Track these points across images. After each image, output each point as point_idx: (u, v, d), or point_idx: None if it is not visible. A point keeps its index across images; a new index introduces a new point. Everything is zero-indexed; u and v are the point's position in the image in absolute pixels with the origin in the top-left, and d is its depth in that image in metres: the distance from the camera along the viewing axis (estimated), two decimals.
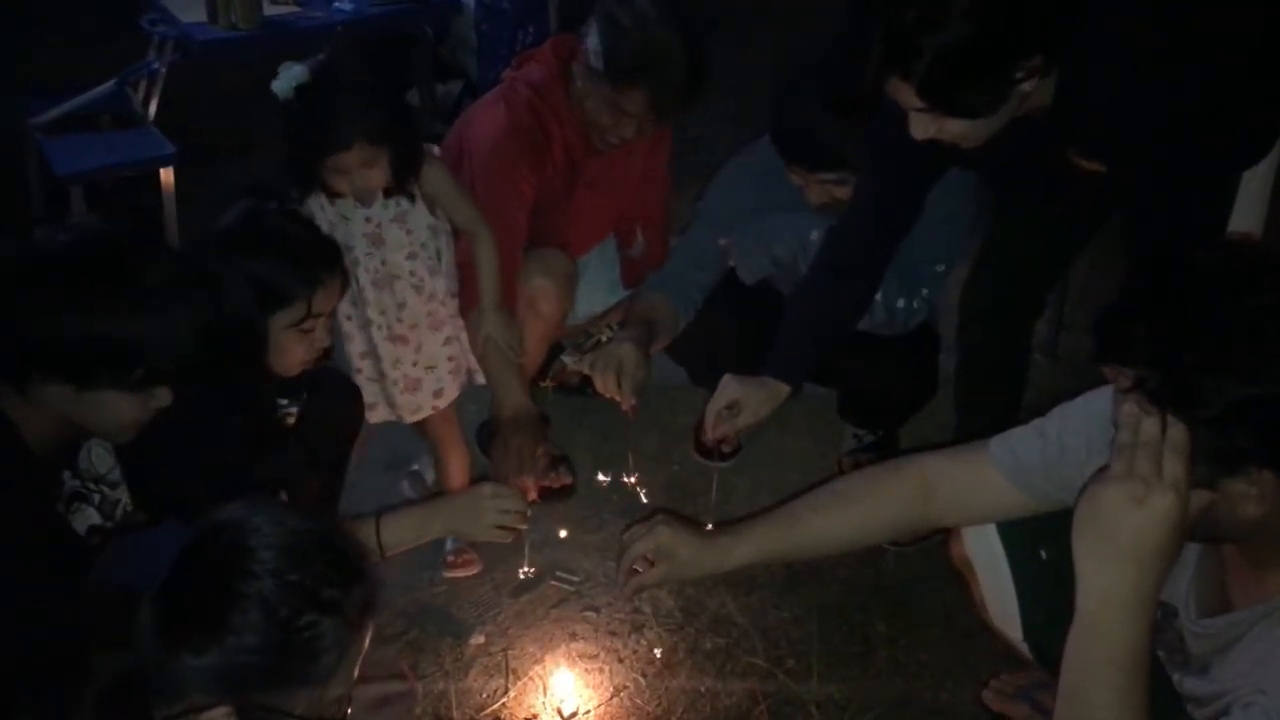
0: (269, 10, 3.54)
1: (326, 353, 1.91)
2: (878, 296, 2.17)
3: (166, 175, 3.12)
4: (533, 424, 2.08)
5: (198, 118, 3.85)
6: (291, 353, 1.80)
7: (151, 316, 1.40)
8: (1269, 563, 1.17)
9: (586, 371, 2.08)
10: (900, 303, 2.23)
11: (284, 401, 1.97)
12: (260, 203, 1.83)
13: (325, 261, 1.79)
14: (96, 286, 1.38)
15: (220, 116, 4.14)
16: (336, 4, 3.71)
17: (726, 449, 2.45)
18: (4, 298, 1.40)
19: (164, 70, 3.43)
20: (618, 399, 2.04)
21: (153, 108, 3.43)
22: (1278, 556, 1.16)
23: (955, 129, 1.51)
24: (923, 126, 1.52)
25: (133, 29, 3.52)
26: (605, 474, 2.40)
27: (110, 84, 3.33)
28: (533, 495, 2.02)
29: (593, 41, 2.11)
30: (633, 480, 2.34)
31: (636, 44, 2.06)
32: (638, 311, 2.26)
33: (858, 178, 1.97)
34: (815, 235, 2.13)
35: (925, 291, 2.24)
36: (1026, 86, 1.46)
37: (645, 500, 2.32)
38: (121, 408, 1.44)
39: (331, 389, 2.12)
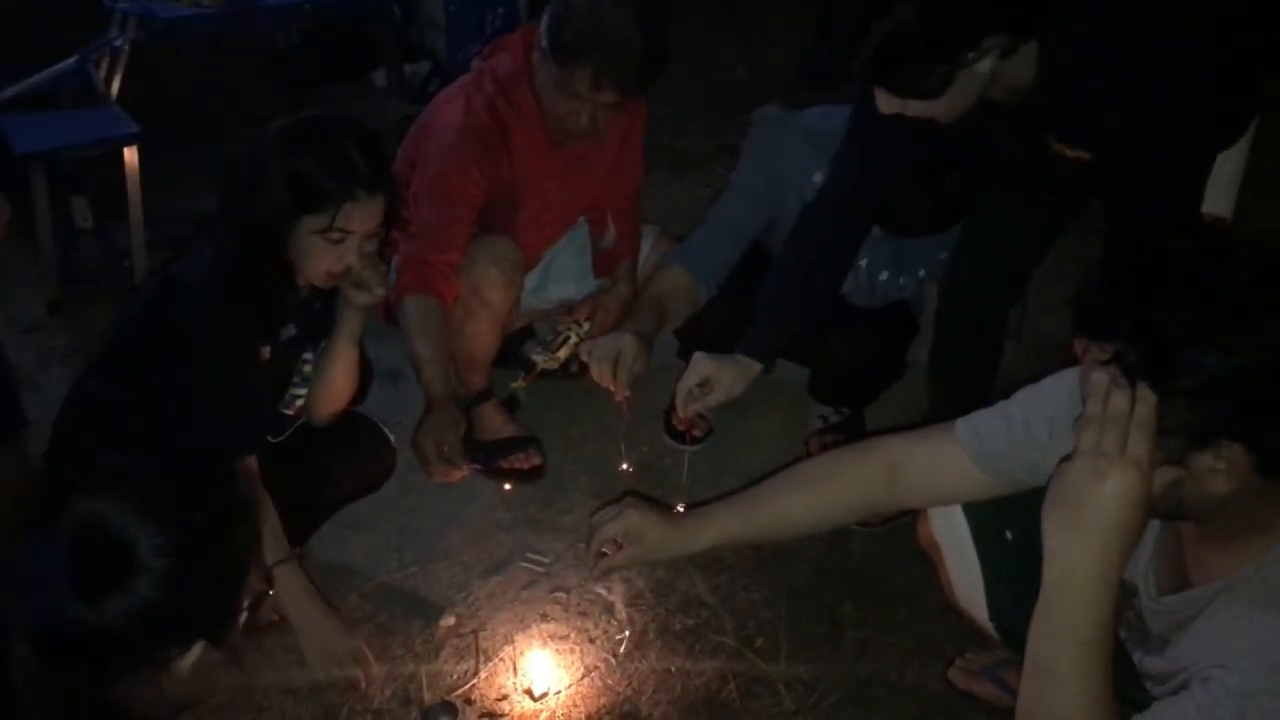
0: None
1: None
2: (862, 263, 2.18)
3: (130, 155, 3.07)
4: (448, 416, 2.07)
5: (162, 96, 3.80)
6: (317, 259, 1.78)
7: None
8: (1227, 540, 1.20)
9: (583, 358, 2.05)
10: (884, 275, 2.23)
11: (308, 356, 1.98)
12: (324, 112, 1.83)
13: (367, 179, 1.74)
14: None
15: (185, 95, 4.09)
16: None
17: (698, 433, 2.45)
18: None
19: (126, 48, 3.38)
20: (611, 388, 2.01)
21: (115, 86, 3.38)
22: (1236, 533, 1.18)
23: (918, 107, 1.53)
24: (887, 102, 1.55)
25: (94, 6, 3.47)
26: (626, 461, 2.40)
27: (71, 61, 3.28)
28: (439, 478, 2.05)
29: (544, 22, 2.09)
30: (626, 467, 2.36)
31: (583, 21, 2.03)
32: (650, 293, 2.20)
33: (834, 160, 1.97)
34: (818, 178, 2.08)
35: (922, 273, 2.25)
36: (983, 67, 1.48)
37: (628, 467, 2.35)
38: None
39: (368, 446, 2.15)
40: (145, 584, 1.10)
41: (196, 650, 1.15)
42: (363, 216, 1.76)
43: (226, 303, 1.75)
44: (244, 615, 1.22)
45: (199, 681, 1.18)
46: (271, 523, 1.80)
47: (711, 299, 2.21)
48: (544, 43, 2.09)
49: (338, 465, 2.08)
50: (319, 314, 1.94)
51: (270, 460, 1.87)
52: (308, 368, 1.99)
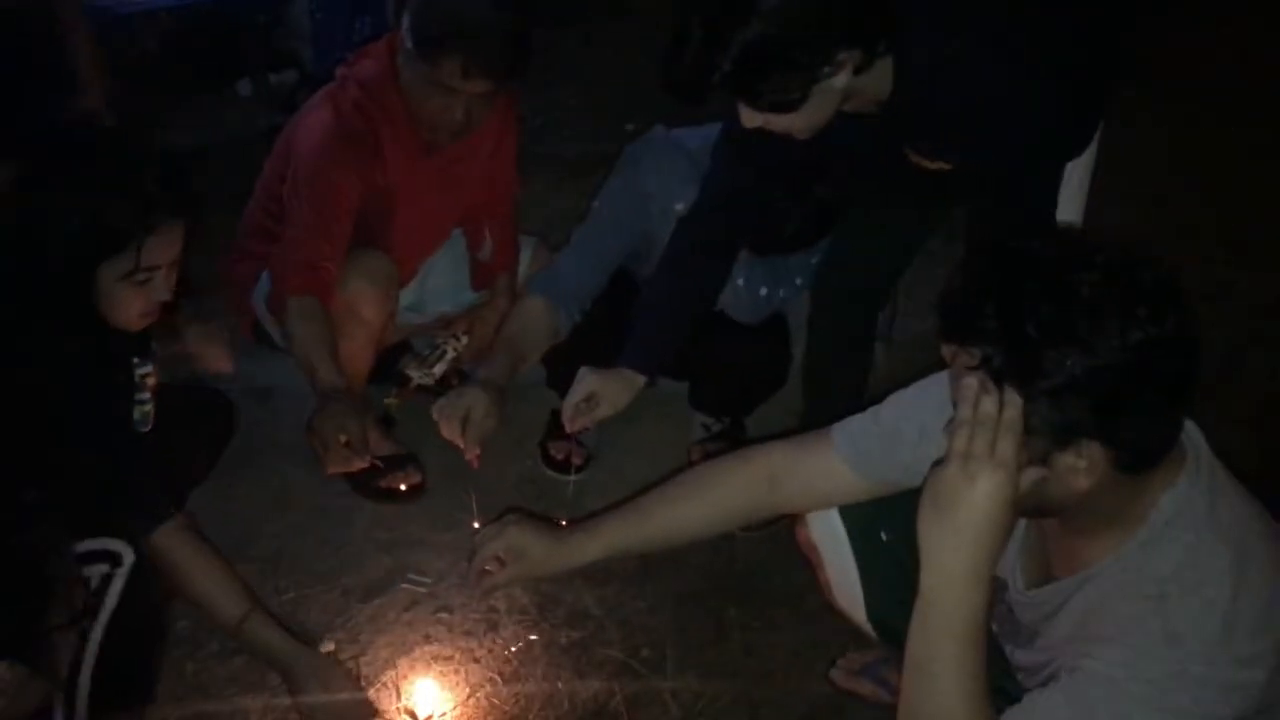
0: None
1: (169, 309, 1.75)
2: (740, 281, 2.19)
3: None
4: (346, 404, 1.98)
5: None
6: (126, 305, 1.66)
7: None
8: (1088, 533, 1.24)
9: (434, 417, 1.96)
10: (764, 290, 2.26)
11: (136, 360, 1.85)
12: (88, 125, 1.70)
13: (167, 206, 1.61)
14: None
15: None
16: None
17: (578, 461, 2.43)
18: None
19: None
20: (460, 446, 1.94)
21: None
22: (1096, 527, 1.23)
23: (778, 121, 1.57)
24: (749, 116, 1.58)
25: None
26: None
27: None
28: (337, 468, 1.97)
29: (405, 20, 2.06)
30: (477, 526, 2.06)
31: (445, 12, 2.02)
32: (505, 333, 2.13)
33: (709, 172, 1.99)
34: (680, 207, 2.10)
35: (799, 281, 2.28)
36: (839, 82, 1.52)
37: (479, 526, 2.26)
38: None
39: (202, 410, 2.08)
40: None
41: (2, 671, 1.10)
42: (168, 246, 1.64)
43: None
44: (61, 630, 1.17)
45: (8, 705, 1.12)
46: (222, 577, 1.72)
47: (575, 327, 2.15)
48: (408, 41, 2.06)
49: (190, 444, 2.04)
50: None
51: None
52: (150, 379, 1.87)
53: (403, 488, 2.34)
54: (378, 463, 2.12)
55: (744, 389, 2.42)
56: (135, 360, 1.85)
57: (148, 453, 1.80)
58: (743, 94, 1.55)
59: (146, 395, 1.88)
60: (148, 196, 1.59)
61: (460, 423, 1.91)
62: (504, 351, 2.07)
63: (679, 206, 2.10)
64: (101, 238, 1.58)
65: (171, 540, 1.68)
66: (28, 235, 1.58)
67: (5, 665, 1.10)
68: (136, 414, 1.88)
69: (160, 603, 1.72)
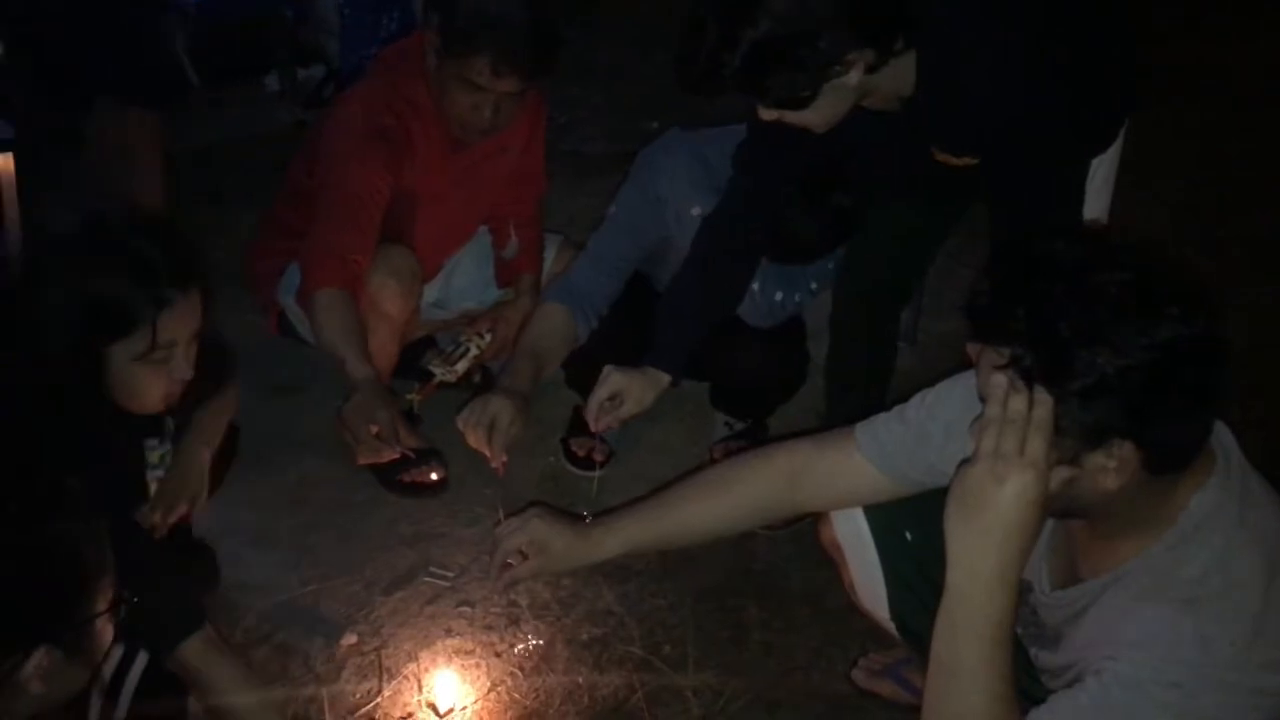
0: None
1: (197, 385, 1.67)
2: (755, 287, 2.20)
3: (4, 161, 2.93)
4: (377, 395, 1.97)
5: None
6: (145, 387, 1.58)
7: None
8: (1116, 534, 1.24)
9: (460, 426, 1.92)
10: (779, 295, 2.26)
11: (153, 442, 1.82)
12: (100, 209, 1.62)
13: (178, 276, 1.54)
14: None
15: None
16: None
17: (599, 458, 2.44)
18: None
19: None
20: (486, 454, 1.92)
21: None
22: (1122, 528, 1.22)
23: (793, 116, 1.57)
24: (764, 110, 1.59)
25: None
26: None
27: None
28: (367, 459, 1.96)
29: (435, 20, 2.07)
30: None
31: (473, 10, 2.02)
32: (525, 340, 2.12)
33: (733, 174, 1.99)
34: (697, 211, 2.11)
35: (814, 285, 2.28)
36: (851, 80, 1.52)
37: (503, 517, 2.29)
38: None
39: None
40: None
41: (40, 658, 1.10)
42: (185, 319, 1.57)
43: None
44: (99, 622, 1.17)
45: (47, 692, 1.13)
46: (256, 699, 1.57)
47: (594, 332, 2.15)
48: (438, 41, 2.07)
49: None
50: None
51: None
52: (154, 455, 1.82)
53: (434, 477, 2.35)
54: (409, 453, 2.12)
55: (760, 393, 2.43)
56: (154, 443, 1.81)
57: (169, 557, 1.73)
58: (751, 91, 1.55)
59: (161, 472, 1.84)
60: (155, 268, 1.54)
61: (486, 431, 1.91)
62: (525, 359, 2.06)
63: (695, 210, 2.11)
64: (106, 319, 1.52)
65: (197, 655, 1.54)
66: (26, 327, 1.52)
67: (42, 652, 1.10)
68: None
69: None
